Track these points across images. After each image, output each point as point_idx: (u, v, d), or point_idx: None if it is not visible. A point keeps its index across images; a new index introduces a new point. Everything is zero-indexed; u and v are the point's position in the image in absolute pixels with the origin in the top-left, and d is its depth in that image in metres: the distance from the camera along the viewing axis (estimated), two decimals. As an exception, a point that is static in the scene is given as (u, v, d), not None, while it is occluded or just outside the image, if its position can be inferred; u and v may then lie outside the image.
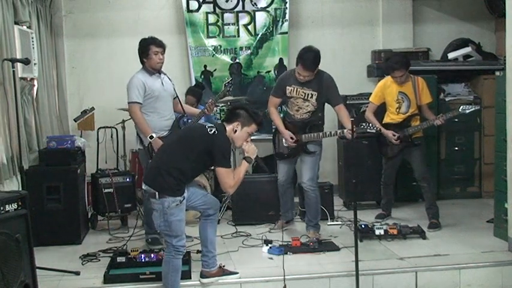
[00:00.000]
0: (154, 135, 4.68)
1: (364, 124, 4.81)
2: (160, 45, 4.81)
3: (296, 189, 5.54)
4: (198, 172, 3.97)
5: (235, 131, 3.84)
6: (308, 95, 4.86)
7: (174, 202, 3.66)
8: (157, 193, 3.66)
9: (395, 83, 5.33)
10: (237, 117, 3.86)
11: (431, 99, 5.47)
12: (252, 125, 3.89)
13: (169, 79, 4.95)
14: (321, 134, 4.91)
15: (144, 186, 3.82)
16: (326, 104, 5.00)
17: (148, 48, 4.76)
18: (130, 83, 4.77)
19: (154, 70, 4.83)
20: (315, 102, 4.87)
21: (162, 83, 4.86)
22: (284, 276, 3.94)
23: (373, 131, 4.77)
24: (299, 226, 5.44)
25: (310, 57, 4.72)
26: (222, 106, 6.63)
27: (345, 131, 4.70)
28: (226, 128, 3.84)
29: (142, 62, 4.85)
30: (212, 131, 3.76)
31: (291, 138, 4.91)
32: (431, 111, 5.38)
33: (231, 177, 3.75)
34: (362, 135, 4.51)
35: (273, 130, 5.27)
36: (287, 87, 4.93)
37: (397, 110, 5.35)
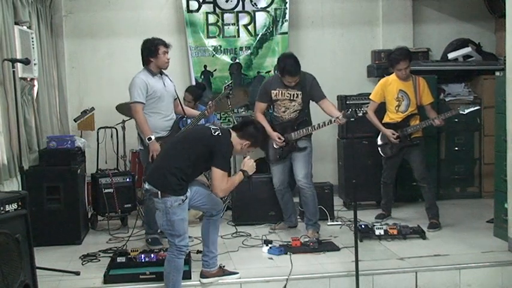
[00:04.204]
0: (152, 137, 4.69)
1: (350, 109, 4.76)
2: (168, 45, 4.86)
3: (295, 190, 5.49)
4: (200, 172, 3.98)
5: (241, 147, 3.88)
6: (294, 95, 4.97)
7: (177, 201, 3.66)
8: (159, 192, 3.67)
9: (397, 80, 5.33)
10: (251, 137, 3.87)
11: (433, 100, 5.47)
12: (257, 147, 4.03)
13: (171, 80, 4.98)
14: (309, 128, 4.99)
15: (147, 186, 3.82)
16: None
17: (158, 48, 4.78)
18: (133, 83, 4.78)
19: (162, 69, 4.86)
20: (300, 101, 4.98)
21: (164, 83, 4.87)
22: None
23: (361, 114, 4.69)
24: (299, 226, 5.42)
25: (292, 63, 4.86)
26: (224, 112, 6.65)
27: (333, 119, 4.84)
28: (232, 135, 3.86)
29: (146, 62, 4.85)
30: (216, 133, 3.78)
31: (279, 138, 4.99)
32: (434, 111, 5.38)
33: (224, 181, 3.75)
34: (353, 118, 4.46)
35: None
36: (272, 91, 5.03)
37: (397, 108, 5.35)
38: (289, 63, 4.87)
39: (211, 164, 3.75)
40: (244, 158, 3.99)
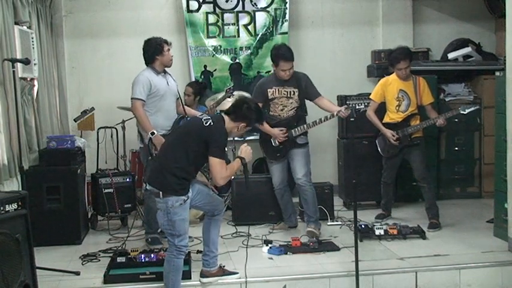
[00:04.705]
0: (155, 131, 4.69)
1: (351, 105, 4.73)
2: (169, 43, 4.92)
3: (294, 190, 5.46)
4: (201, 165, 3.96)
5: (237, 130, 3.86)
6: (290, 92, 5.00)
7: (178, 201, 3.66)
8: (161, 193, 3.67)
9: (397, 80, 5.34)
10: (245, 118, 3.84)
11: (433, 100, 5.47)
12: (254, 125, 3.97)
13: (174, 79, 5.00)
14: (310, 123, 4.99)
15: (148, 186, 3.82)
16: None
17: (163, 46, 4.84)
18: (136, 80, 4.80)
19: (167, 67, 4.90)
20: (297, 98, 5.01)
21: (167, 82, 4.90)
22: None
23: (362, 106, 4.72)
24: (299, 226, 5.43)
25: (285, 49, 4.99)
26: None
27: (335, 113, 4.86)
28: (226, 120, 3.83)
29: (151, 61, 4.86)
30: (208, 123, 3.76)
31: (281, 130, 4.98)
32: (434, 111, 5.39)
33: (224, 169, 3.73)
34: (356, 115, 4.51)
35: (259, 137, 5.27)
36: (268, 90, 5.04)
37: (397, 107, 5.35)
38: (282, 49, 4.98)
39: (208, 154, 3.73)
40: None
